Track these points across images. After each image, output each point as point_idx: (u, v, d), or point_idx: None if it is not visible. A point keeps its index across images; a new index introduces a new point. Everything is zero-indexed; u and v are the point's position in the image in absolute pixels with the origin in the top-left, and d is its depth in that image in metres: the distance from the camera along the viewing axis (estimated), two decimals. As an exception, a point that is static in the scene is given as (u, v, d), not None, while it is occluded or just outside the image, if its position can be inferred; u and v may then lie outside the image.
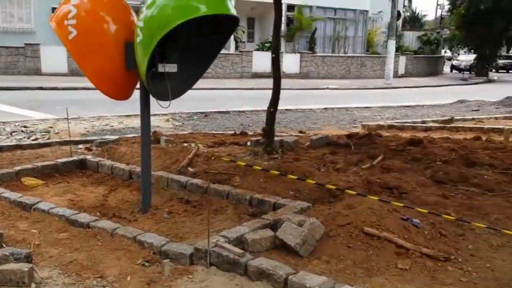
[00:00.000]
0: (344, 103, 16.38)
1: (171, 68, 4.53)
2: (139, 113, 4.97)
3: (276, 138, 7.56)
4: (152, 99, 4.72)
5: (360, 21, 32.70)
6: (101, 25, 4.58)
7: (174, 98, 4.77)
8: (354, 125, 12.11)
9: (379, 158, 6.88)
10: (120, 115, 11.68)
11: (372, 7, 33.17)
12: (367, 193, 5.06)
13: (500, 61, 46.07)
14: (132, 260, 3.82)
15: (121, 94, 4.90)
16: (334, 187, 4.99)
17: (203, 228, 4.37)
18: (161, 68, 4.47)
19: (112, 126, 10.61)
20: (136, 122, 9.85)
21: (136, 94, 4.90)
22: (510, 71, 45.91)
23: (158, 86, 4.56)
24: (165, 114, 11.83)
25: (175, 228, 4.62)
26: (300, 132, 10.47)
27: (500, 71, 45.45)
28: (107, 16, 4.60)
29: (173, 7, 4.23)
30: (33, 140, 8.56)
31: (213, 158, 4.50)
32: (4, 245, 3.90)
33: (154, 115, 11.04)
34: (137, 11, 4.58)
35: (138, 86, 4.84)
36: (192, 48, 4.89)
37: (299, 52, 28.74)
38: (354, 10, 32.21)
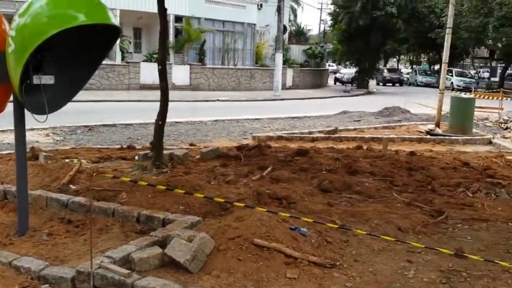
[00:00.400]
0: (235, 115, 16.55)
1: (47, 79, 4.25)
2: (14, 128, 4.61)
3: (165, 152, 7.43)
4: (29, 113, 4.40)
5: (249, 34, 33.35)
6: (-33, 33, 4.20)
7: (52, 111, 4.48)
8: (245, 137, 12.26)
9: (269, 169, 7.00)
10: (-7, 130, 10.83)
11: (260, 20, 34.03)
12: (257, 204, 5.10)
13: (387, 74, 48.35)
14: (7, 287, 3.54)
15: (-8, 107, 4.51)
16: (223, 200, 4.96)
17: (87, 249, 4.13)
18: (36, 80, 4.19)
19: (-15, 142, 9.83)
20: (12, 138, 9.17)
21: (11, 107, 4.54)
22: (396, 85, 47.33)
23: (33, 99, 4.27)
24: (44, 128, 11.14)
25: (56, 250, 4.35)
26: (191, 144, 10.39)
27: (387, 84, 46.98)
28: (-26, 24, 4.23)
29: (48, 15, 3.98)
30: None
31: (95, 174, 4.27)
32: None
33: (32, 129, 10.39)
34: (11, 19, 4.25)
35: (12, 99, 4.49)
36: (71, 58, 4.63)
37: (189, 64, 28.63)
38: (242, 23, 32.80)
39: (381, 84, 46.87)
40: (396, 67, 63.03)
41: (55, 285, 3.57)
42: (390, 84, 47.11)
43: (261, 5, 34.99)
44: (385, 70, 50.52)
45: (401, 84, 47.54)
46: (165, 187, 4.79)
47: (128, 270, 3.56)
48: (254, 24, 33.52)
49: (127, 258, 3.83)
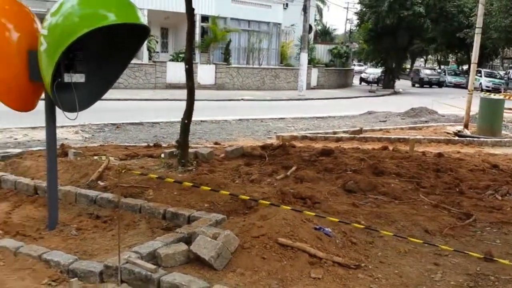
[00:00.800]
0: (259, 114, 16.56)
1: (78, 78, 4.34)
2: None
3: (190, 150, 7.49)
4: (60, 110, 4.49)
5: (274, 34, 33.30)
6: (2, 33, 4.30)
7: (82, 109, 4.57)
8: (269, 136, 12.26)
9: (293, 168, 6.99)
10: (25, 127, 11.03)
11: (285, 20, 33.94)
12: (281, 203, 5.10)
13: (424, 75, 45.18)
14: (37, 280, 3.62)
15: (25, 105, 4.63)
16: (248, 197, 4.99)
17: (114, 244, 4.20)
18: (67, 78, 4.28)
19: (16, 139, 10.04)
20: (43, 135, 9.34)
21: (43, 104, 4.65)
22: (434, 86, 43.40)
23: (64, 97, 4.35)
24: (74, 126, 11.34)
25: (84, 245, 4.43)
26: (215, 143, 10.45)
27: (425, 86, 43.61)
28: (8, 23, 4.34)
29: (79, 15, 4.05)
30: None
31: (123, 171, 4.34)
32: None
33: (62, 127, 10.58)
34: (43, 18, 4.35)
35: (43, 96, 4.59)
36: (101, 57, 4.72)
37: (214, 63, 28.74)
38: (268, 23, 32.78)
39: (417, 85, 43.98)
40: (435, 67, 59.57)
41: (83, 278, 3.63)
42: (428, 86, 43.61)
43: (287, 4, 34.89)
44: (422, 70, 47.50)
45: (440, 86, 43.62)
46: (191, 184, 4.84)
47: (154, 266, 3.61)
48: (280, 24, 33.46)
49: (154, 254, 3.88)
